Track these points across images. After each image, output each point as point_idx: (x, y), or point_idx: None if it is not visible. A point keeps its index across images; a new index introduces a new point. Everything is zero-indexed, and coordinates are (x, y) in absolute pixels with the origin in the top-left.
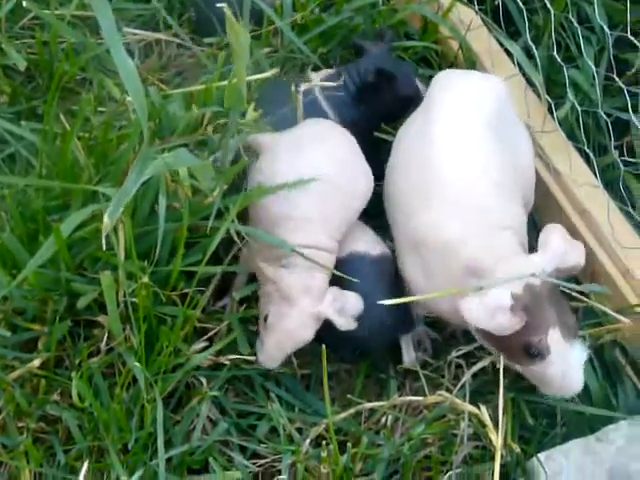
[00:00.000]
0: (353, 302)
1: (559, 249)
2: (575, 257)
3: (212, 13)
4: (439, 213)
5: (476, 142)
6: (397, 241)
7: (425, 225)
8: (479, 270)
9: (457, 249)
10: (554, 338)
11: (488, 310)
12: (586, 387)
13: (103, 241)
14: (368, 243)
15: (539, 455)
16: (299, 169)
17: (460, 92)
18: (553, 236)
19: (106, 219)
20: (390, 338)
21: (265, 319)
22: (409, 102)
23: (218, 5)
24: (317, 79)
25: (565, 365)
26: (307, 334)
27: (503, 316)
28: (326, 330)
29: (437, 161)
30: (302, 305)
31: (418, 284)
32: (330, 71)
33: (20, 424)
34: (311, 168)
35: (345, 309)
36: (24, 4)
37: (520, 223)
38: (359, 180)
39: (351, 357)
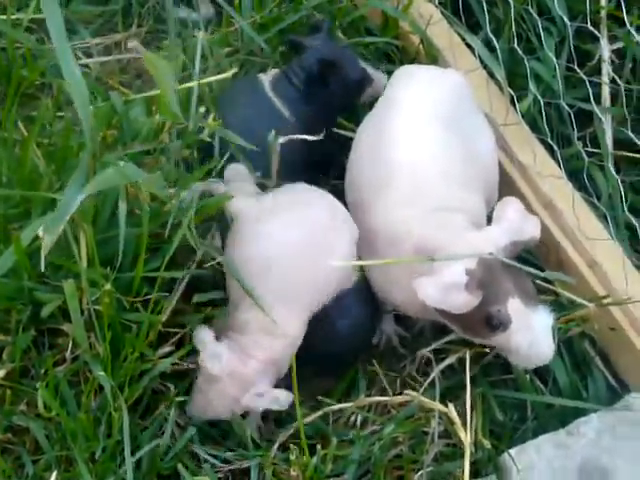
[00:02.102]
0: (281, 400)
1: (514, 221)
2: (531, 230)
3: None
4: (387, 203)
5: (428, 133)
6: None
7: (375, 216)
8: (429, 250)
9: (404, 233)
10: (514, 307)
11: (443, 289)
12: (555, 380)
13: (42, 260)
14: None
15: (510, 451)
16: (262, 246)
17: (416, 86)
18: (508, 208)
19: (41, 234)
20: (369, 344)
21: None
22: (358, 87)
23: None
24: (267, 79)
25: (530, 332)
26: (225, 412)
27: (459, 294)
28: (308, 354)
29: (388, 152)
30: (222, 387)
31: (374, 277)
32: (277, 71)
33: None
34: (274, 245)
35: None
36: None
37: (476, 209)
38: (333, 251)
39: (337, 372)
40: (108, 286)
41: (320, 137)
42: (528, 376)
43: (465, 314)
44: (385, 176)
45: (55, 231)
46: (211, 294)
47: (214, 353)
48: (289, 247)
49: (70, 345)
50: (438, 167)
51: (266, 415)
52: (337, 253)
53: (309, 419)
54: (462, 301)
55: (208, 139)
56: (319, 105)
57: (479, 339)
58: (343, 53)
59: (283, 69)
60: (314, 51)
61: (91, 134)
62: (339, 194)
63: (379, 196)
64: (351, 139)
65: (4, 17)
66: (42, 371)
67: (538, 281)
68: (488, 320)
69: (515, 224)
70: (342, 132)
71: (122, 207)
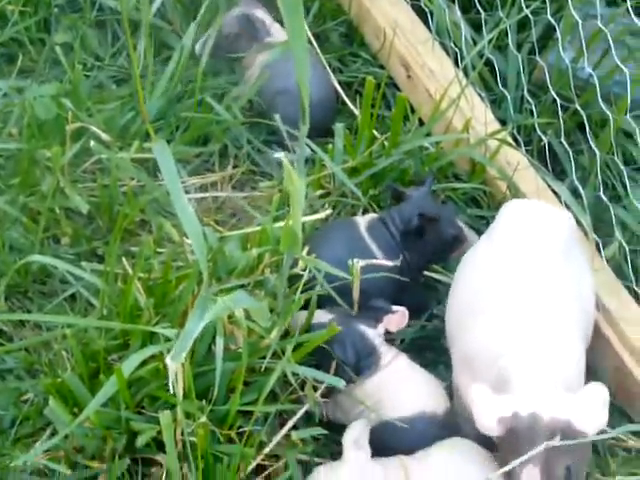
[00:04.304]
0: None
1: (583, 410)
2: (588, 425)
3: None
4: (486, 327)
5: (533, 265)
6: (453, 358)
7: (474, 339)
8: (506, 383)
9: (495, 360)
10: (530, 475)
11: (486, 402)
12: None
13: (170, 383)
14: (435, 398)
15: None
16: None
17: (524, 218)
18: (593, 394)
19: (169, 362)
20: None
21: None
22: (453, 243)
23: (275, 155)
24: (363, 222)
25: None
26: None
27: (488, 416)
28: None
29: (492, 281)
30: (347, 469)
31: (464, 391)
32: (374, 215)
33: None
34: None
35: None
36: (91, 144)
37: (568, 359)
38: None
39: None
40: (203, 419)
41: (397, 263)
42: None
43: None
44: (485, 303)
45: (180, 358)
46: (310, 430)
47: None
48: None
49: (163, 475)
50: (544, 302)
51: None
52: None
53: None
54: (485, 423)
55: (301, 272)
56: (412, 253)
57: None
58: (443, 210)
59: (381, 215)
60: (416, 204)
61: (200, 266)
62: (430, 336)
63: (476, 321)
64: (441, 283)
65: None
66: None
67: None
68: (503, 464)
69: (584, 412)
70: (433, 275)
71: (219, 343)
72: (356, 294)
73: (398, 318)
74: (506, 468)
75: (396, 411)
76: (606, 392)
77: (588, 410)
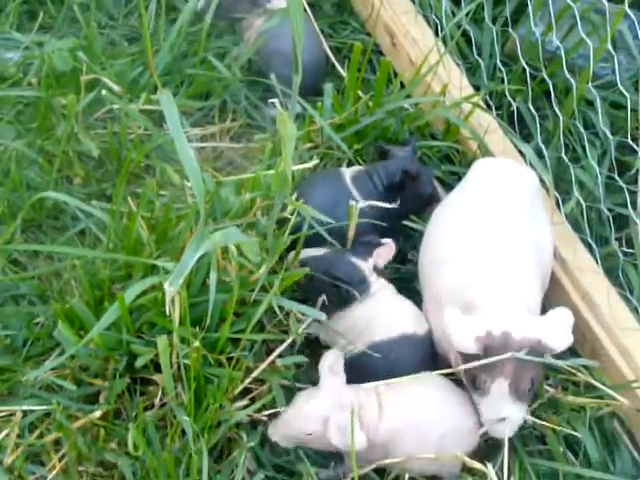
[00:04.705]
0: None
1: (554, 329)
2: (558, 342)
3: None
4: (453, 269)
5: (498, 216)
6: (425, 298)
7: (443, 278)
8: (473, 309)
9: (462, 292)
10: (499, 387)
11: (461, 324)
12: (586, 453)
13: (167, 306)
14: (416, 323)
15: None
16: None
17: (493, 174)
18: (560, 316)
19: (167, 287)
20: None
21: None
22: (427, 200)
23: (270, 101)
24: (348, 173)
25: (496, 414)
26: (308, 427)
27: (464, 335)
28: None
29: (461, 229)
30: (324, 393)
31: (438, 327)
32: (360, 168)
33: (81, 468)
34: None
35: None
36: (103, 94)
37: (533, 295)
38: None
39: None
40: (197, 343)
41: (395, 205)
42: (561, 448)
43: (468, 358)
44: (454, 248)
45: (177, 284)
46: (293, 358)
47: (334, 368)
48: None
49: (159, 393)
50: (506, 249)
51: None
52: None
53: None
54: (462, 342)
55: (289, 216)
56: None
57: (468, 384)
58: (423, 170)
59: (367, 168)
60: (400, 161)
61: (198, 205)
62: (404, 278)
63: (446, 263)
64: (414, 231)
65: (123, 103)
66: (133, 414)
67: (567, 367)
68: (473, 379)
69: (553, 331)
70: (410, 224)
71: (213, 276)
72: (351, 233)
73: (386, 250)
74: (461, 367)
75: (384, 333)
76: (571, 315)
77: (556, 330)
